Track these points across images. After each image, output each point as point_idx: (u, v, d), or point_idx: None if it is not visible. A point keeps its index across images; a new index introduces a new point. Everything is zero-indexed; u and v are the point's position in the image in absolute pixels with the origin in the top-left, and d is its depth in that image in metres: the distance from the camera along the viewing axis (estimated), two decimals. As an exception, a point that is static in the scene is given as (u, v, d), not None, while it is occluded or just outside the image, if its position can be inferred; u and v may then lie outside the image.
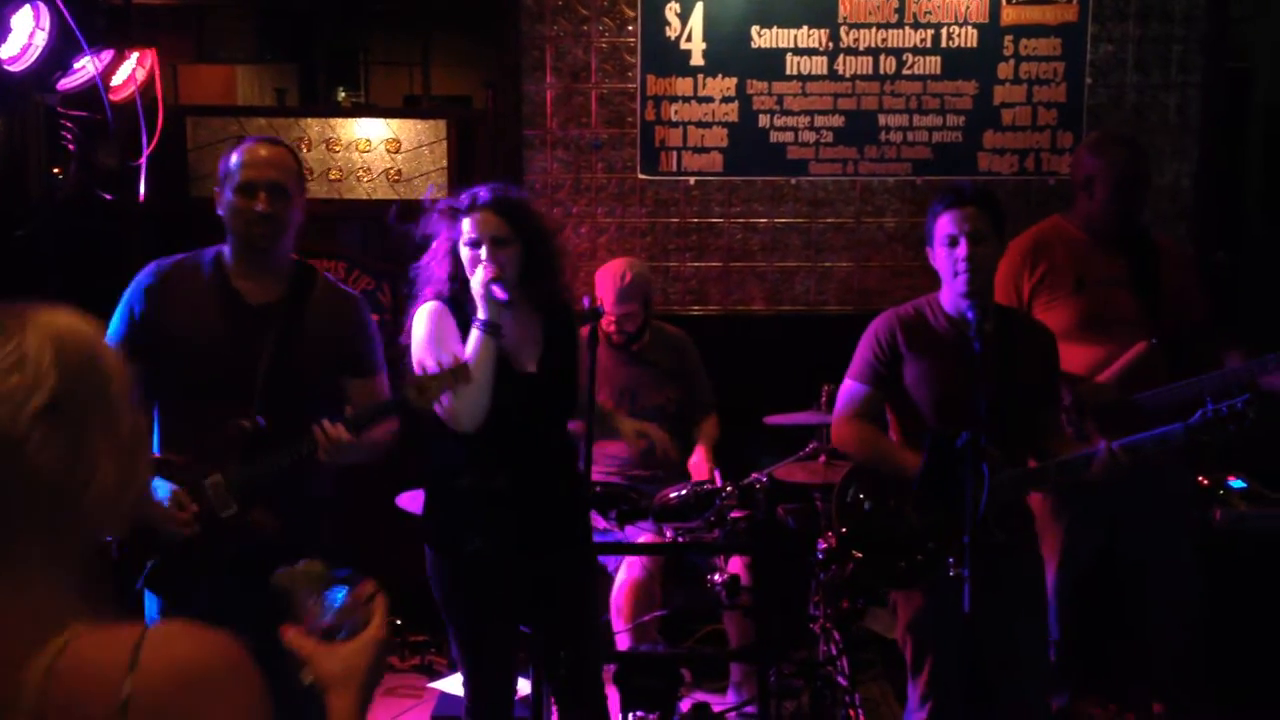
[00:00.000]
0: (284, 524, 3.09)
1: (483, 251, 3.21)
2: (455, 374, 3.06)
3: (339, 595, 1.65)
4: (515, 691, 3.51)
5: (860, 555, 3.59)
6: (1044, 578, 3.68)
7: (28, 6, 3.92)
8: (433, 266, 3.35)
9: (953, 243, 3.39)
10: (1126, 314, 4.02)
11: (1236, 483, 4.53)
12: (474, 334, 3.19)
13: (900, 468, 3.47)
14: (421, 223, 3.36)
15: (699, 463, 4.59)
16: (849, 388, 3.59)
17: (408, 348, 3.33)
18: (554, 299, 3.41)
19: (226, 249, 3.26)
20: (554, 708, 3.50)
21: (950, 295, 3.48)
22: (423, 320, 3.29)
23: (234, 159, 3.19)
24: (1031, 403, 3.47)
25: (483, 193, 3.27)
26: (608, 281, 4.68)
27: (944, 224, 3.40)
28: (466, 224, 3.25)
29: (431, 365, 3.04)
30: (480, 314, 3.19)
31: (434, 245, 3.35)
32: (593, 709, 3.42)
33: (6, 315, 1.34)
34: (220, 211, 3.23)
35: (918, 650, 3.52)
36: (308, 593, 1.65)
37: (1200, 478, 4.49)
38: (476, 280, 3.19)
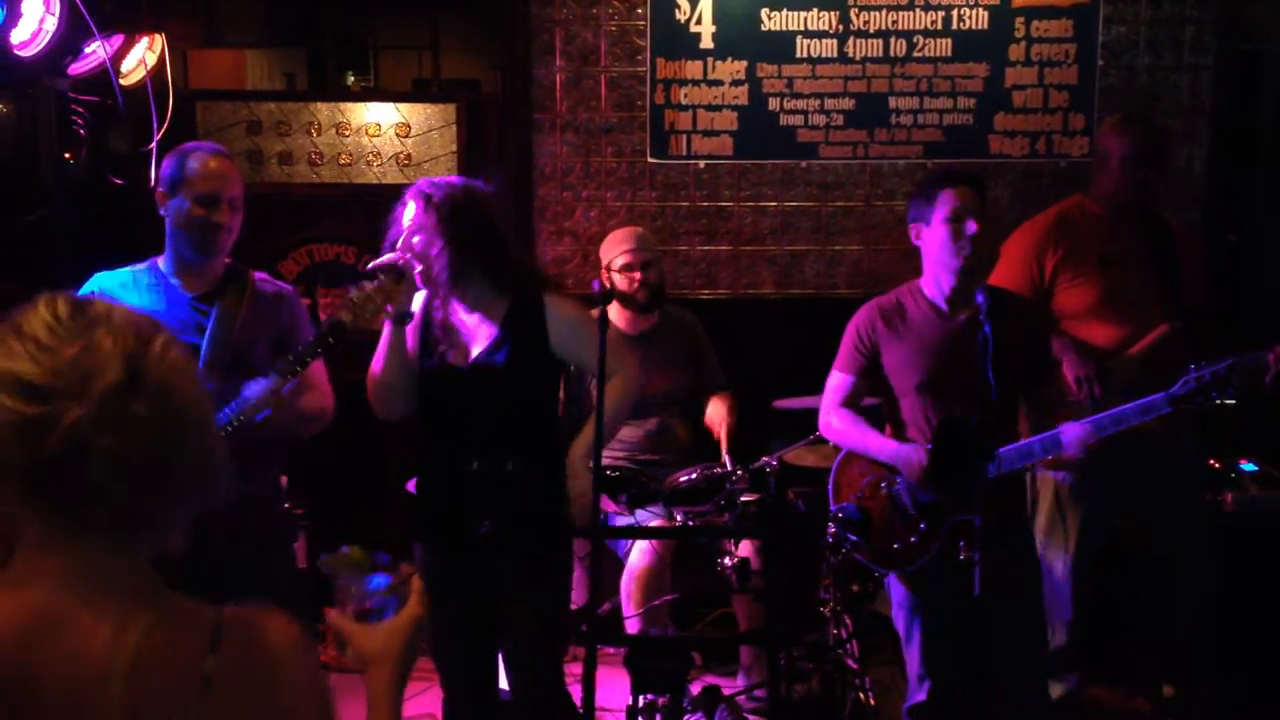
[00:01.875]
0: (241, 494, 3.12)
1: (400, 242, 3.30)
2: (384, 290, 3.16)
3: (377, 579, 1.73)
4: (492, 688, 3.55)
5: (856, 539, 3.64)
6: (1036, 559, 3.73)
7: (38, -9, 3.92)
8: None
9: (958, 218, 3.41)
10: (1147, 294, 4.03)
11: (1248, 466, 4.52)
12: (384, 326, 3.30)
13: (873, 453, 3.56)
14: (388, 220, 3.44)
15: (716, 415, 4.60)
16: (833, 378, 3.68)
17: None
18: (520, 280, 3.40)
19: (160, 259, 3.42)
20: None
21: (937, 278, 3.50)
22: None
23: (190, 166, 3.33)
24: (1020, 380, 3.49)
25: (411, 188, 3.36)
26: (618, 241, 4.69)
27: (948, 200, 3.42)
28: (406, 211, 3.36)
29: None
30: (390, 306, 3.25)
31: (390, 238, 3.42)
32: (545, 697, 3.47)
33: (70, 309, 1.35)
34: (166, 214, 3.37)
35: (906, 626, 3.59)
36: (348, 577, 1.74)
37: (1212, 461, 4.49)
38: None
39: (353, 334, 3.23)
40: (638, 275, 4.61)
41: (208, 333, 3.32)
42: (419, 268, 3.26)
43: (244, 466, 3.11)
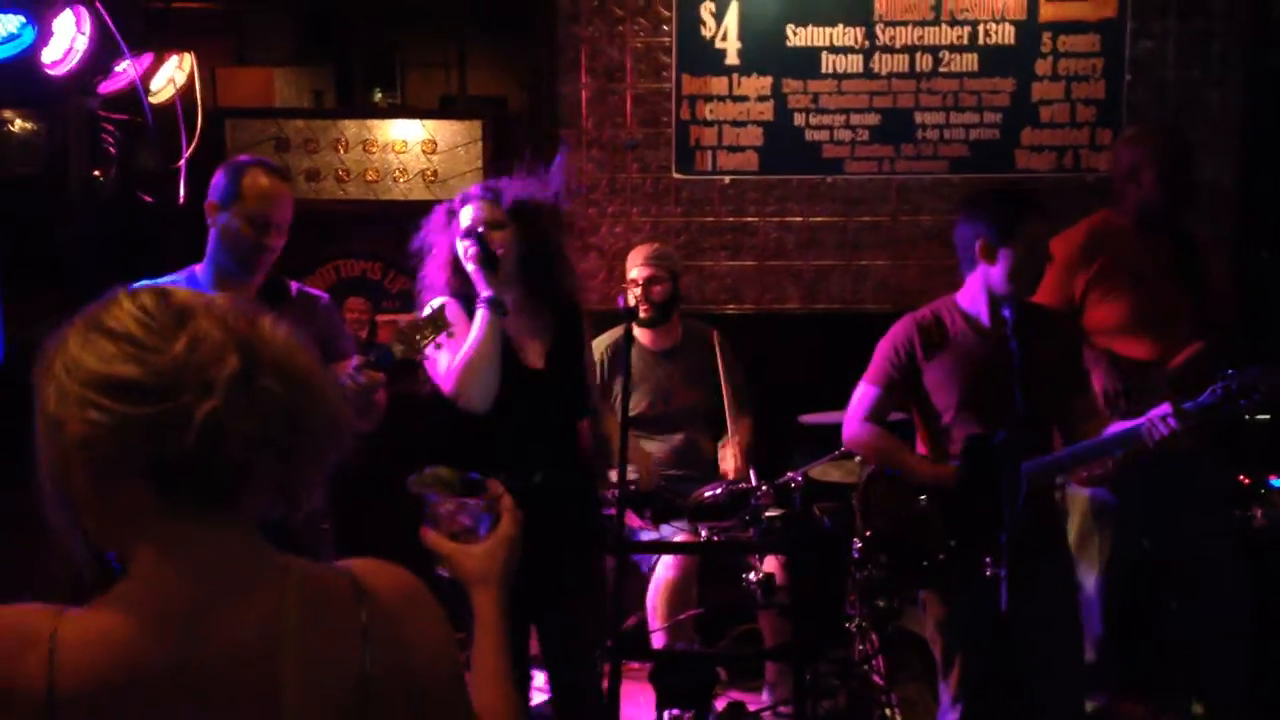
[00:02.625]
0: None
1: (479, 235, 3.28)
2: (435, 321, 3.14)
3: (469, 499, 1.72)
4: (528, 686, 3.52)
5: (886, 557, 3.61)
6: (1075, 578, 3.68)
7: (69, 11, 3.97)
8: (432, 274, 3.43)
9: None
10: (1179, 309, 3.99)
11: (1278, 482, 4.48)
12: (479, 312, 3.24)
13: (904, 469, 3.52)
14: (417, 238, 3.46)
15: (730, 463, 4.57)
16: (862, 390, 3.63)
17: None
18: (561, 297, 3.45)
19: (200, 268, 3.39)
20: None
21: (992, 294, 3.44)
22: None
23: (244, 183, 3.29)
24: (1059, 393, 3.46)
25: (474, 189, 3.40)
26: (639, 253, 4.70)
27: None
28: (463, 216, 3.35)
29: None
30: (483, 291, 3.23)
31: (432, 254, 3.43)
32: (590, 708, 3.43)
33: (157, 301, 1.33)
34: (213, 228, 3.34)
35: (946, 650, 3.53)
36: (439, 497, 1.72)
37: (1241, 477, 4.45)
38: (470, 261, 3.27)
39: (401, 363, 3.22)
40: (639, 291, 4.61)
41: None
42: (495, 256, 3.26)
43: None
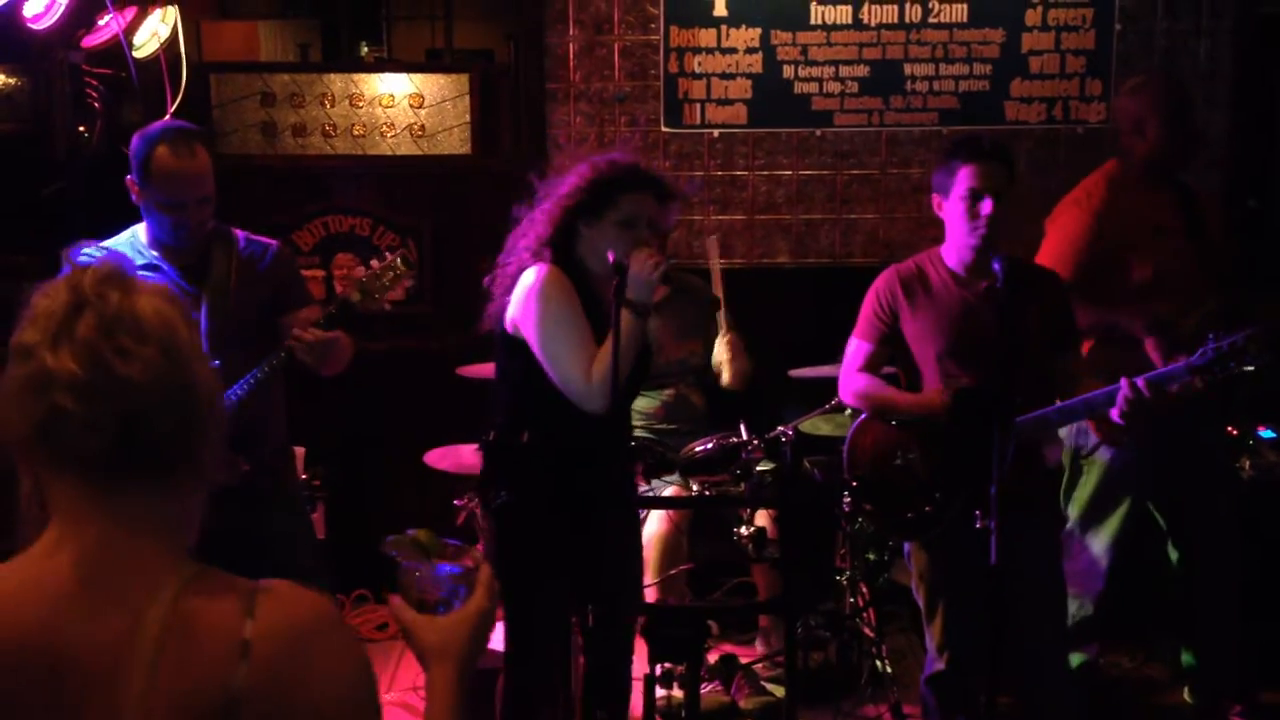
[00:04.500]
0: (252, 467, 3.14)
1: (640, 234, 3.13)
2: (394, 269, 3.14)
3: (444, 566, 1.61)
4: (568, 653, 3.48)
5: (870, 507, 3.63)
6: (1057, 533, 3.72)
7: (50, -36, 3.92)
8: (537, 221, 3.23)
9: (975, 197, 3.37)
10: (1189, 265, 3.96)
11: (1266, 433, 4.50)
12: (626, 315, 3.03)
13: (902, 410, 3.54)
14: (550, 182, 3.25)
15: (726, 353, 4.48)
16: (852, 345, 3.65)
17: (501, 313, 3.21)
18: None
19: (141, 229, 3.33)
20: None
21: (957, 248, 3.48)
22: (552, 291, 3.12)
23: (152, 167, 3.17)
24: (1045, 349, 3.46)
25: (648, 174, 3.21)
26: None
27: (966, 177, 3.38)
28: (629, 200, 3.16)
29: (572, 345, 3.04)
30: (634, 295, 3.06)
31: (547, 203, 3.23)
32: (620, 668, 3.43)
33: (92, 292, 1.34)
34: (137, 202, 3.26)
35: (930, 600, 3.57)
36: (412, 561, 1.61)
37: (1229, 428, 4.46)
38: (642, 265, 3.06)
39: (361, 313, 3.22)
40: None
41: (203, 312, 3.24)
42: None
43: (248, 432, 3.15)
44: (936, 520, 3.46)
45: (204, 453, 1.38)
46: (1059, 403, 3.45)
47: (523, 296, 3.13)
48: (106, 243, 3.36)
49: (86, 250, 3.32)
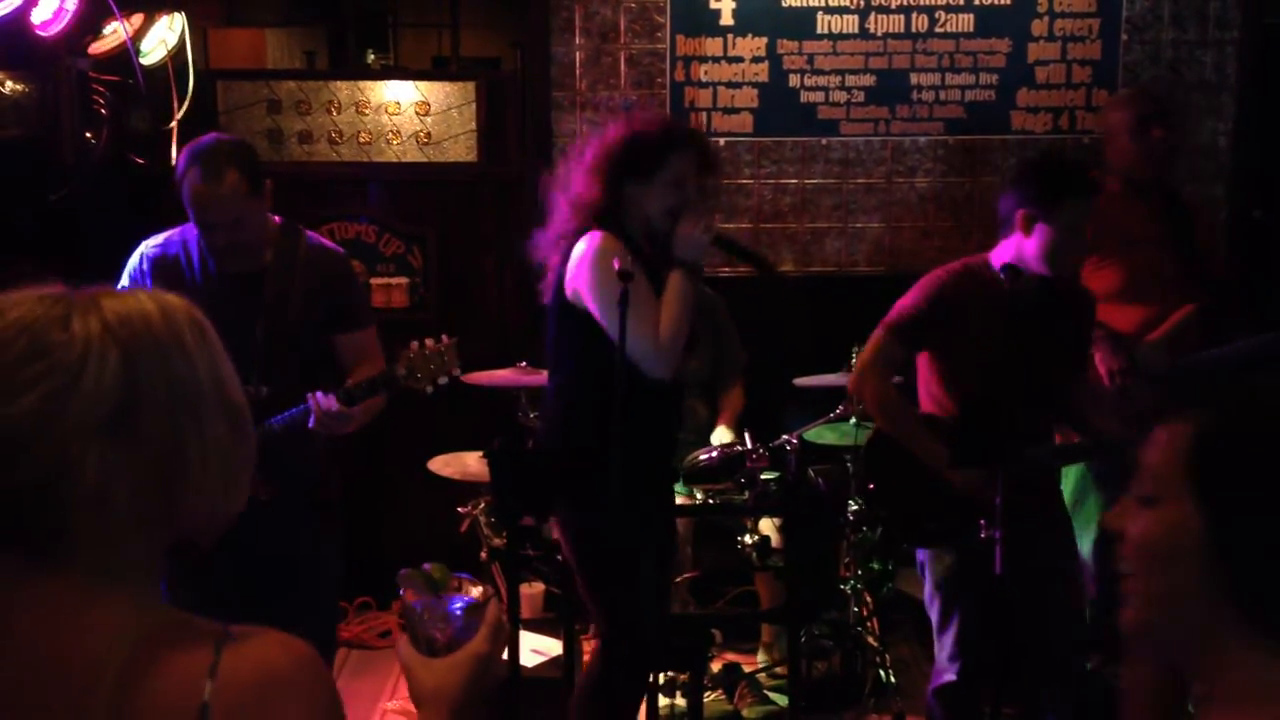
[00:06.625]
0: (278, 488, 3.04)
1: (688, 193, 3.18)
2: (445, 356, 3.05)
3: (455, 602, 1.50)
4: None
5: (888, 513, 3.61)
6: (1074, 542, 3.69)
7: (58, -29, 3.93)
8: (577, 183, 3.23)
9: (1082, 231, 3.35)
10: (1170, 274, 4.01)
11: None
12: (679, 276, 3.09)
13: (916, 449, 3.44)
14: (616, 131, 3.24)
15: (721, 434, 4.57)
16: (883, 338, 3.49)
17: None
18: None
19: (190, 229, 3.24)
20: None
21: (1010, 259, 3.40)
22: (609, 256, 3.08)
23: (185, 185, 3.10)
24: (1068, 366, 3.46)
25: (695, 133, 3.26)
26: None
27: (1080, 210, 3.35)
28: (678, 158, 3.18)
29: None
30: (685, 254, 3.11)
31: (587, 164, 3.21)
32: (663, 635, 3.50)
33: (68, 306, 1.23)
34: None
35: (945, 609, 3.53)
36: (420, 599, 1.50)
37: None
38: (694, 225, 3.12)
39: (403, 390, 3.12)
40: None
41: (259, 328, 3.14)
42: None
43: (281, 454, 3.03)
44: (958, 529, 3.41)
45: (189, 514, 1.27)
46: (1060, 440, 3.46)
47: (579, 264, 3.12)
48: (160, 235, 3.28)
49: (148, 240, 3.26)
